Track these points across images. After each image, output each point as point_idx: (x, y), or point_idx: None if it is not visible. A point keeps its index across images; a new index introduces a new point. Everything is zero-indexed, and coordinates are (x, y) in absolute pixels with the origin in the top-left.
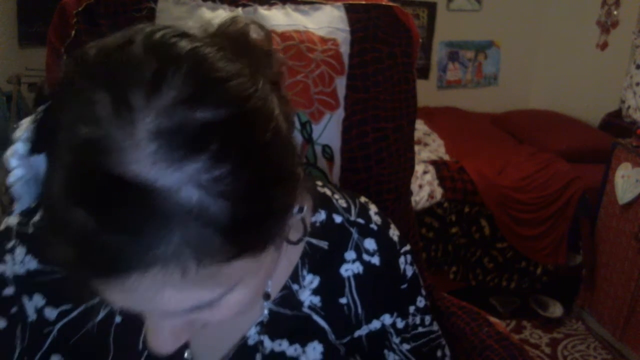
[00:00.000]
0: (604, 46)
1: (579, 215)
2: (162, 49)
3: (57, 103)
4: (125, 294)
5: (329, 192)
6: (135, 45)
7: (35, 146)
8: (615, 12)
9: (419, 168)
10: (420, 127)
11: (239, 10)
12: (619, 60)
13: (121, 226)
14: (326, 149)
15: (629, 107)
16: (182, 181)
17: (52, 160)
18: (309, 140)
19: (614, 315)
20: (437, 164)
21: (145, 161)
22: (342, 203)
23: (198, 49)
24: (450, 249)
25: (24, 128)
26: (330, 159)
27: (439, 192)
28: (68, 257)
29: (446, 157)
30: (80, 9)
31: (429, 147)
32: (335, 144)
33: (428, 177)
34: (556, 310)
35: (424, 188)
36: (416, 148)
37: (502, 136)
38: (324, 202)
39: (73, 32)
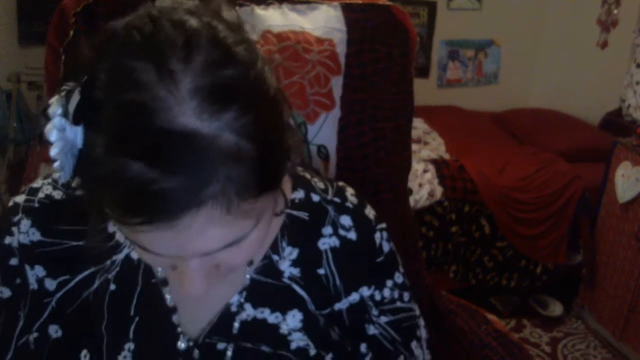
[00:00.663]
0: (604, 45)
1: (579, 214)
2: (183, 23)
3: (94, 76)
4: (173, 237)
5: (308, 176)
6: (162, 21)
7: (75, 119)
8: (615, 11)
9: (419, 167)
10: (421, 126)
11: (236, 9)
12: (619, 59)
13: (177, 171)
14: (321, 149)
15: (629, 105)
16: (221, 128)
17: (94, 126)
18: (304, 140)
19: (614, 314)
20: (437, 163)
21: (191, 114)
22: (320, 185)
23: (209, 22)
24: (450, 247)
25: (56, 104)
26: (325, 158)
27: (439, 191)
28: (125, 207)
29: (446, 156)
30: (79, 10)
31: (429, 145)
32: (331, 143)
33: (428, 175)
34: (556, 309)
35: (424, 187)
36: (416, 147)
37: (502, 135)
38: (302, 183)
39: (72, 32)
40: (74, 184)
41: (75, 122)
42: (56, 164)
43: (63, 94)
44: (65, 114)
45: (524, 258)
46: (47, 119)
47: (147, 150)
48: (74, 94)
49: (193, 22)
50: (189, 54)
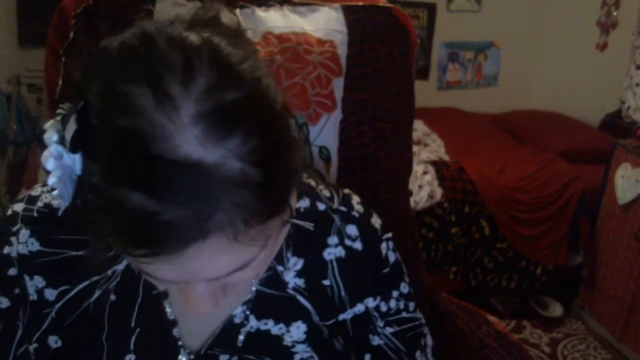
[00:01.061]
0: (603, 47)
1: (579, 215)
2: (181, 42)
3: (90, 101)
4: (178, 267)
5: (313, 183)
6: (158, 41)
7: (72, 147)
8: (615, 13)
9: (419, 168)
10: (420, 128)
11: (237, 11)
12: (619, 60)
13: (180, 202)
14: (323, 150)
15: (628, 107)
16: (226, 155)
17: (91, 155)
18: (305, 142)
19: (613, 315)
20: (437, 164)
21: (194, 142)
22: (326, 193)
23: (209, 38)
24: (450, 249)
25: (52, 130)
26: (327, 159)
27: (439, 192)
28: (127, 239)
29: (446, 158)
30: (79, 11)
31: (429, 147)
32: (332, 144)
33: (428, 177)
34: (556, 310)
35: (424, 188)
36: (416, 148)
37: (502, 136)
38: (308, 191)
39: (72, 33)
40: (40, 204)
41: (73, 150)
42: (55, 192)
43: (59, 118)
44: (61, 141)
45: (524, 259)
46: (43, 145)
47: (146, 180)
48: (70, 121)
49: (193, 38)
50: (189, 76)
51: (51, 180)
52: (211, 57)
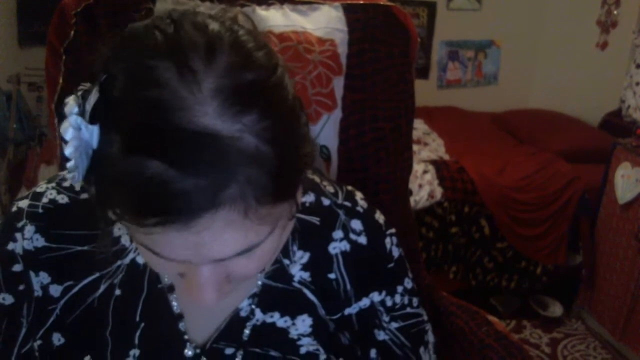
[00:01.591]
0: (603, 46)
1: (579, 215)
2: (205, 27)
3: (113, 75)
4: (189, 239)
5: (317, 179)
6: (184, 23)
7: (91, 118)
8: (615, 12)
9: (418, 168)
10: (420, 127)
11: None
12: (619, 59)
13: (196, 171)
14: (323, 149)
15: (628, 106)
16: (242, 130)
17: (110, 125)
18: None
19: (613, 315)
20: (437, 164)
21: (212, 115)
22: (330, 189)
23: (230, 27)
24: (450, 248)
25: (72, 104)
26: (327, 159)
27: (438, 192)
28: (140, 207)
29: (446, 157)
30: (79, 10)
31: (429, 146)
32: (333, 144)
33: (428, 176)
34: (556, 310)
35: (424, 188)
36: (416, 148)
37: (502, 136)
38: (312, 187)
39: (72, 32)
40: (77, 188)
41: (92, 120)
42: (70, 163)
43: (79, 93)
44: (81, 113)
45: (524, 259)
46: (62, 117)
47: (166, 149)
48: (92, 93)
49: (215, 25)
50: (211, 55)
51: (68, 150)
52: (231, 41)
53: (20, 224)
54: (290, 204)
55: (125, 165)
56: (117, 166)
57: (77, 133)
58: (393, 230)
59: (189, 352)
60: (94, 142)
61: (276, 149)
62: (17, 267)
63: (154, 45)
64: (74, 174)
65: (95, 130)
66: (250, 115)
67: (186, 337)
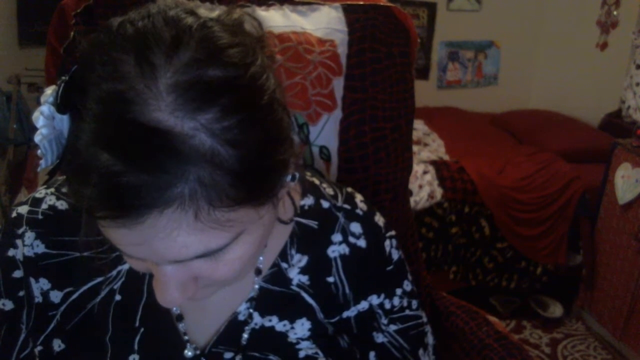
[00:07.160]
0: (603, 46)
1: (579, 215)
2: (177, 21)
3: (84, 66)
4: (139, 237)
5: (317, 181)
6: (155, 17)
7: (60, 107)
8: (615, 12)
9: (418, 168)
10: (420, 127)
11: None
12: (619, 60)
13: (144, 166)
14: (323, 149)
15: (628, 107)
16: (197, 128)
17: (78, 115)
18: (306, 141)
19: (613, 315)
20: (437, 164)
21: (165, 110)
22: (330, 191)
23: (206, 22)
24: (450, 249)
25: (49, 93)
26: (327, 159)
27: (438, 192)
28: (92, 198)
29: (446, 157)
30: (79, 10)
31: (429, 147)
32: (333, 144)
33: (428, 177)
34: (556, 310)
35: (424, 188)
36: (416, 148)
37: (502, 136)
38: (312, 189)
39: (72, 33)
40: (45, 206)
41: (60, 110)
42: (39, 151)
43: (59, 82)
44: (56, 104)
45: (524, 259)
46: (39, 105)
47: (116, 142)
48: (63, 84)
49: (189, 20)
50: (174, 49)
51: (37, 137)
52: (200, 36)
53: (20, 231)
54: (259, 209)
55: (84, 156)
56: (78, 157)
57: (48, 122)
58: (393, 233)
59: (189, 353)
60: (66, 132)
61: (239, 150)
62: (18, 273)
63: (122, 39)
64: (42, 161)
65: (65, 119)
66: (209, 114)
67: (186, 338)
